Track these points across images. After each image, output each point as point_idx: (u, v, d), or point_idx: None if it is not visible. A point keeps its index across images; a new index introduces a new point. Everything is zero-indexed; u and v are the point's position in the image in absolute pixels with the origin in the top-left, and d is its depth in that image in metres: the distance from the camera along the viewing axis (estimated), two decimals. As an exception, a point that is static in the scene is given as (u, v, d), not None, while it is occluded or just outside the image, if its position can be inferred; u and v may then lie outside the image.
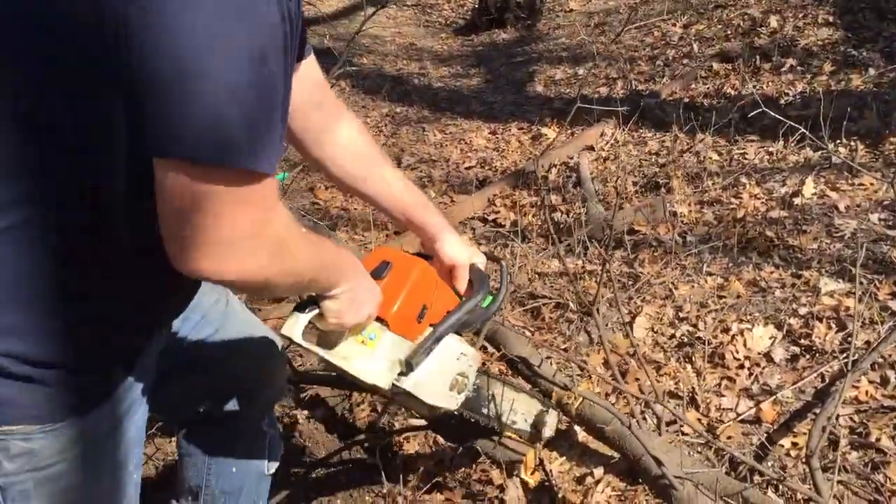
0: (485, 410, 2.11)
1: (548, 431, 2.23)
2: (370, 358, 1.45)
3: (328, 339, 1.43)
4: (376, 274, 1.43)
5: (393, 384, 1.46)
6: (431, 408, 1.58)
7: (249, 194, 0.99)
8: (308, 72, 1.44)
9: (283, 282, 1.17)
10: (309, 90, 1.46)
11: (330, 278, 1.27)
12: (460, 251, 1.61)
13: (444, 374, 1.55)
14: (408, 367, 1.44)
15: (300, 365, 2.97)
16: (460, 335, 1.59)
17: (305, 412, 2.80)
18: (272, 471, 1.84)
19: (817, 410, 2.22)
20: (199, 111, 0.92)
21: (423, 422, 2.44)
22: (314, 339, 1.41)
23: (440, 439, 2.49)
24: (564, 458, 2.40)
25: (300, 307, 1.36)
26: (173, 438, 2.17)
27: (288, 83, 1.02)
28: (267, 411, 1.82)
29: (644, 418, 2.50)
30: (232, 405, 1.69)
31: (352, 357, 1.44)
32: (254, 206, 1.01)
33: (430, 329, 1.49)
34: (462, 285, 1.62)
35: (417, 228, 1.61)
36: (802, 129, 2.65)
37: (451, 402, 1.62)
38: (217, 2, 0.90)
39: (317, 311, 1.34)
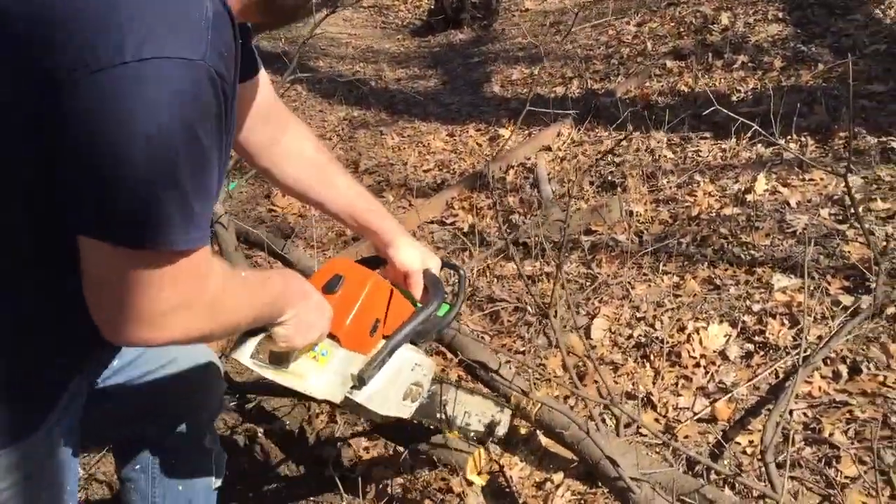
0: (439, 415, 2.10)
1: (501, 430, 2.24)
2: (322, 374, 1.44)
3: (279, 357, 1.41)
4: (328, 288, 1.43)
5: (346, 397, 1.45)
6: (385, 416, 1.58)
7: (179, 270, 0.97)
8: (258, 87, 1.44)
9: (225, 332, 1.18)
10: (257, 105, 1.46)
11: (274, 311, 1.26)
12: (413, 257, 1.61)
13: (398, 384, 1.55)
14: (360, 381, 1.44)
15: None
16: (416, 345, 1.59)
17: (263, 427, 2.76)
18: (218, 485, 1.81)
19: (771, 407, 2.24)
20: (124, 196, 0.90)
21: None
22: (265, 360, 1.39)
23: (399, 448, 2.47)
24: (524, 463, 2.39)
25: (249, 332, 1.34)
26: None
27: (224, 151, 1.01)
28: (208, 428, 1.80)
29: (603, 420, 2.51)
30: (172, 425, 1.67)
31: (304, 374, 1.43)
32: (184, 279, 1.00)
33: (384, 342, 1.49)
34: (417, 292, 1.62)
35: (371, 234, 1.61)
36: (755, 126, 2.66)
37: (404, 410, 1.63)
38: (143, 86, 0.87)
39: (265, 334, 1.33)
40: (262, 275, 1.33)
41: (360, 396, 1.45)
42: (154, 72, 0.87)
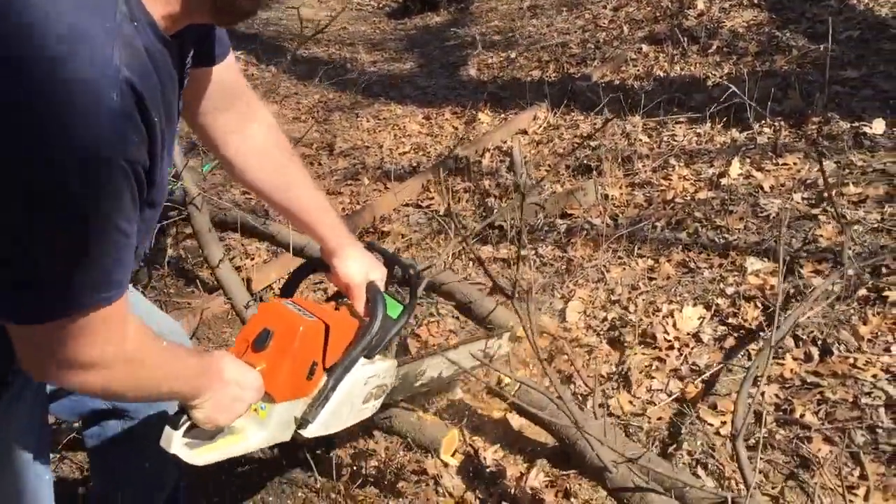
0: (417, 384, 2.07)
1: (502, 350, 2.33)
2: (262, 427, 1.44)
3: (211, 433, 1.39)
4: (257, 345, 1.43)
5: (297, 433, 1.48)
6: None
7: (90, 327, 0.98)
8: (222, 74, 1.42)
9: (139, 394, 1.19)
10: (220, 92, 1.43)
11: (191, 390, 1.26)
12: (356, 270, 1.61)
13: (352, 401, 1.56)
14: (304, 423, 1.47)
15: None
16: (370, 358, 1.58)
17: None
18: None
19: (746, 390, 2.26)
20: (21, 276, 0.90)
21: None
22: (201, 436, 1.37)
23: (374, 433, 2.47)
24: (499, 444, 2.40)
25: (172, 422, 1.32)
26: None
27: (136, 217, 0.98)
28: None
29: (579, 402, 2.52)
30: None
31: (243, 431, 1.43)
32: (93, 336, 0.99)
33: (325, 378, 1.50)
34: (359, 305, 1.62)
35: (318, 239, 1.62)
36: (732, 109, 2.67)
37: (367, 412, 1.64)
38: (36, 183, 0.84)
39: (189, 421, 1.31)
40: (183, 349, 1.30)
41: (310, 431, 1.47)
42: None
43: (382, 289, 1.63)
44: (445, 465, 2.28)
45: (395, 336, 1.60)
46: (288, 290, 1.75)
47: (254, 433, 1.43)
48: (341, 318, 1.55)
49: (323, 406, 1.47)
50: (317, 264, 1.70)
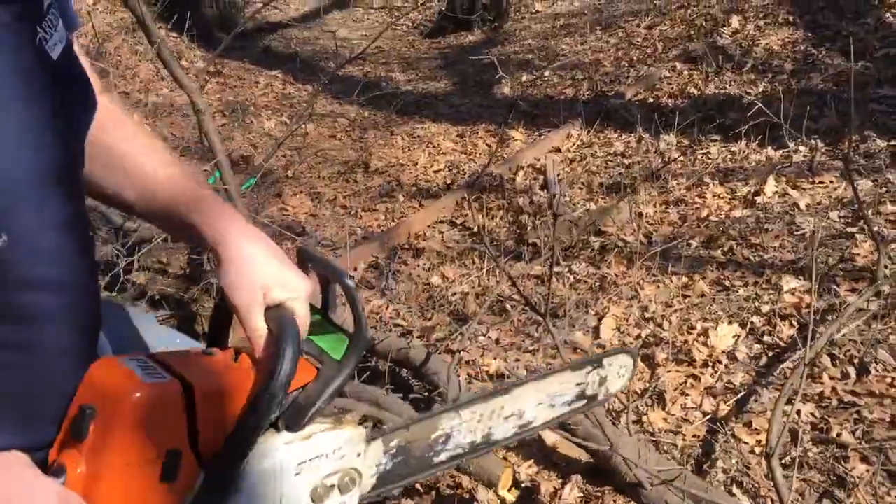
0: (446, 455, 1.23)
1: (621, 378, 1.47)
2: None
3: None
4: (74, 433, 0.84)
5: None
6: None
7: None
8: None
9: None
10: None
11: None
12: (248, 281, 0.93)
13: None
14: None
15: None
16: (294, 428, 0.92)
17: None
18: None
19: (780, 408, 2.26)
20: None
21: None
22: None
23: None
24: (532, 460, 2.42)
25: None
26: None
27: None
28: None
29: (614, 419, 2.53)
30: None
31: None
32: None
33: (202, 476, 0.88)
34: (256, 347, 0.93)
35: (193, 237, 0.98)
36: (774, 123, 2.68)
37: None
38: None
39: None
40: None
41: None
42: None
43: (303, 311, 0.95)
44: (503, 501, 2.29)
45: (339, 387, 0.93)
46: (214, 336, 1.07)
47: None
48: (229, 374, 0.93)
49: None
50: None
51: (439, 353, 2.87)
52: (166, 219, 1.02)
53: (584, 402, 1.38)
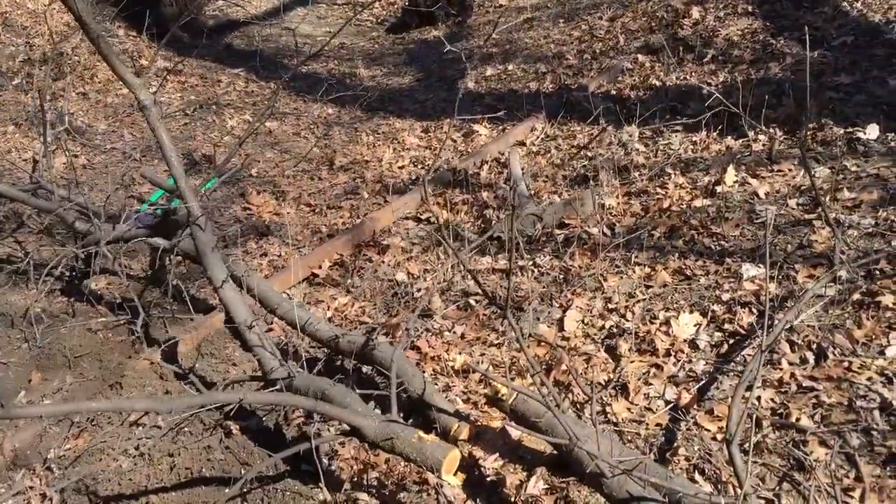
0: None
1: None
2: None
3: None
4: None
5: None
6: None
7: None
8: None
9: None
10: None
11: None
12: None
13: None
14: None
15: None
16: None
17: (237, 424, 2.76)
18: None
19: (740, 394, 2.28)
20: None
21: (347, 427, 2.40)
22: None
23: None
24: (497, 454, 2.42)
25: None
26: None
27: None
28: None
29: (577, 410, 2.54)
30: None
31: None
32: None
33: None
34: None
35: None
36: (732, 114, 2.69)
37: None
38: None
39: None
40: None
41: None
42: None
43: None
44: (447, 484, 2.28)
45: None
46: None
47: None
48: None
49: None
50: None
51: (405, 349, 2.86)
52: None
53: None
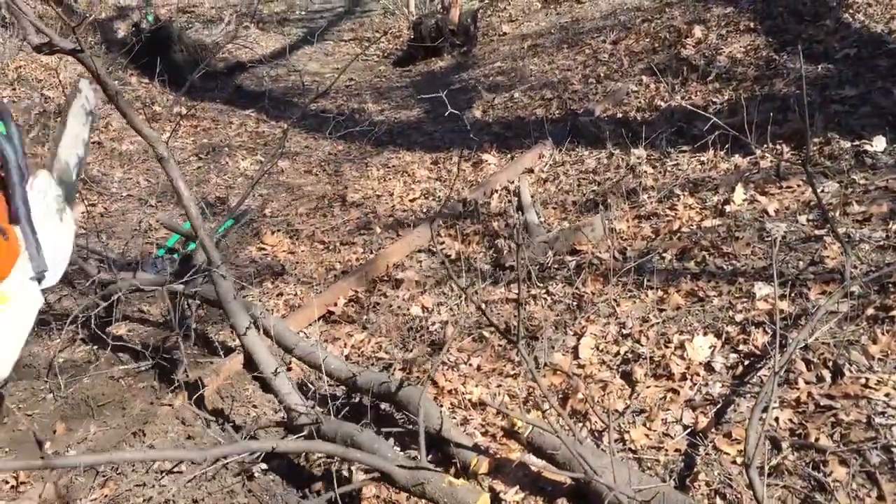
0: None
1: None
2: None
3: None
4: None
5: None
6: None
7: None
8: None
9: None
10: None
11: None
12: None
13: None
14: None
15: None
16: None
17: (262, 465, 2.78)
18: None
19: (757, 416, 2.27)
20: None
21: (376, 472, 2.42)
22: None
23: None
24: (518, 486, 2.42)
25: None
26: None
27: None
28: None
29: (596, 439, 2.54)
30: None
31: None
32: None
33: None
34: None
35: None
36: (735, 134, 2.71)
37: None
38: None
39: None
40: None
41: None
42: None
43: None
44: None
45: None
46: None
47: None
48: None
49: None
50: None
51: (420, 384, 2.88)
52: None
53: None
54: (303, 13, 11.03)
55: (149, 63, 7.29)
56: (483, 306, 3.40)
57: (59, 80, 6.54)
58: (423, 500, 2.32)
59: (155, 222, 4.95)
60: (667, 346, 2.85)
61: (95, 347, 3.72)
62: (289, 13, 10.93)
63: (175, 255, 4.32)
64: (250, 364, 3.17)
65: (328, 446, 2.43)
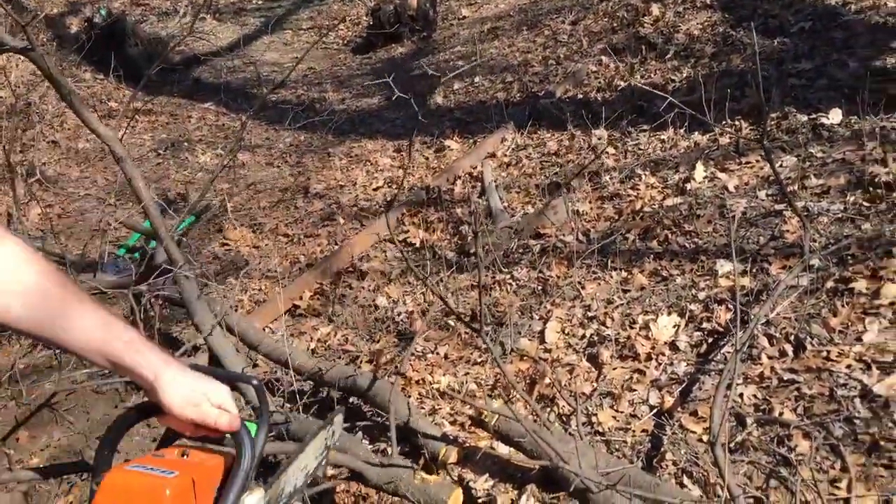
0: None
1: (338, 430, 1.88)
2: None
3: None
4: None
5: None
6: None
7: None
8: None
9: None
10: None
11: None
12: (182, 398, 1.24)
13: None
14: None
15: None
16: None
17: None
18: None
19: (721, 394, 2.29)
20: None
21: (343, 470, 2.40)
22: None
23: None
24: (488, 474, 2.42)
25: None
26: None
27: None
28: None
29: (563, 423, 2.54)
30: None
31: None
32: None
33: None
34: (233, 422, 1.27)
35: (130, 374, 1.24)
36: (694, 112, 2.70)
37: None
38: None
39: None
40: None
41: None
42: None
43: (233, 408, 1.28)
44: None
45: (259, 460, 1.27)
46: (108, 447, 1.32)
47: None
48: (199, 463, 1.24)
49: None
50: (147, 409, 1.32)
51: (388, 377, 2.86)
52: (99, 358, 1.21)
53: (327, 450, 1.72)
54: (260, 2, 10.88)
55: (103, 58, 7.13)
56: (446, 295, 3.38)
57: (9, 81, 6.39)
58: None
59: (115, 221, 4.87)
60: (632, 327, 2.86)
61: (57, 352, 3.65)
62: (245, 2, 10.78)
63: (135, 255, 4.25)
64: (216, 363, 3.13)
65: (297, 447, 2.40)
